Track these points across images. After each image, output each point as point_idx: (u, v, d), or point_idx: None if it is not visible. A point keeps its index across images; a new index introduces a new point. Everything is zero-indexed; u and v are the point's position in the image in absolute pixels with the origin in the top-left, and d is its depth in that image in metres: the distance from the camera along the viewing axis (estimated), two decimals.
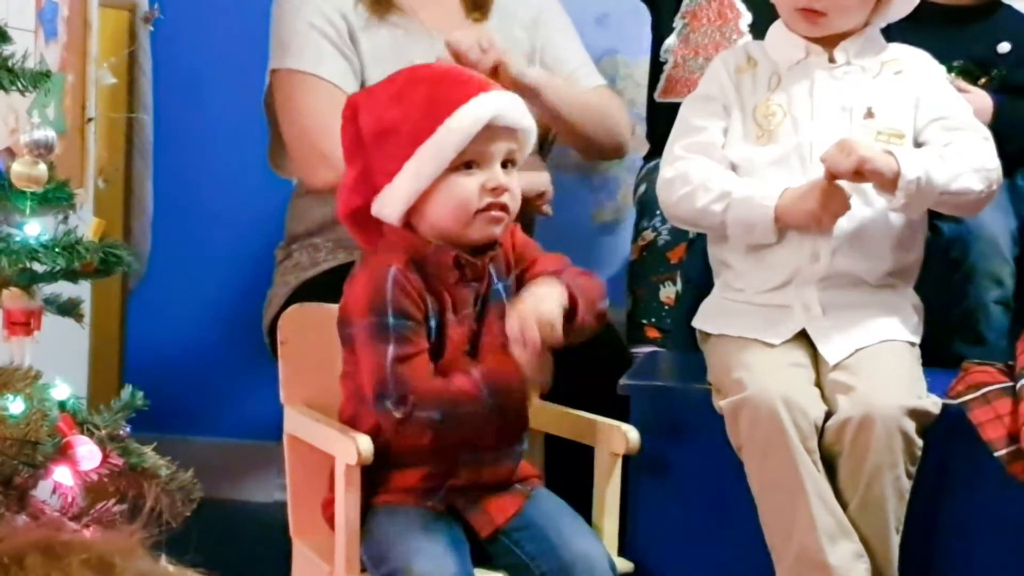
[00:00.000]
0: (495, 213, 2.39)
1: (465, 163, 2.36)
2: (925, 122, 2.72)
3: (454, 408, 2.34)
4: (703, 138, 2.73)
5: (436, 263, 2.40)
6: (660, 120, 3.42)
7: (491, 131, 2.36)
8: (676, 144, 2.76)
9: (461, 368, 2.39)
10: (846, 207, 2.61)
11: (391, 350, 2.33)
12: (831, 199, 2.59)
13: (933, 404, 2.58)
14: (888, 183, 2.58)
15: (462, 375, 2.37)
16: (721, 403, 2.61)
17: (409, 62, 2.96)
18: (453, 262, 2.39)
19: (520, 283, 2.47)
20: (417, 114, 2.35)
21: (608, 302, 2.50)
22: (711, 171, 2.70)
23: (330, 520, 2.52)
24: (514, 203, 2.41)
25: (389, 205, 2.39)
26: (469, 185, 2.37)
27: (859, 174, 2.56)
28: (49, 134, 2.18)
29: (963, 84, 3.00)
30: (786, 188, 2.64)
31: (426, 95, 2.37)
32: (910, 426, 2.53)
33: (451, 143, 2.33)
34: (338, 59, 3.06)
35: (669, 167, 2.75)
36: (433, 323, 2.39)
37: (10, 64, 2.13)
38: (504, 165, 2.40)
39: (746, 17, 3.46)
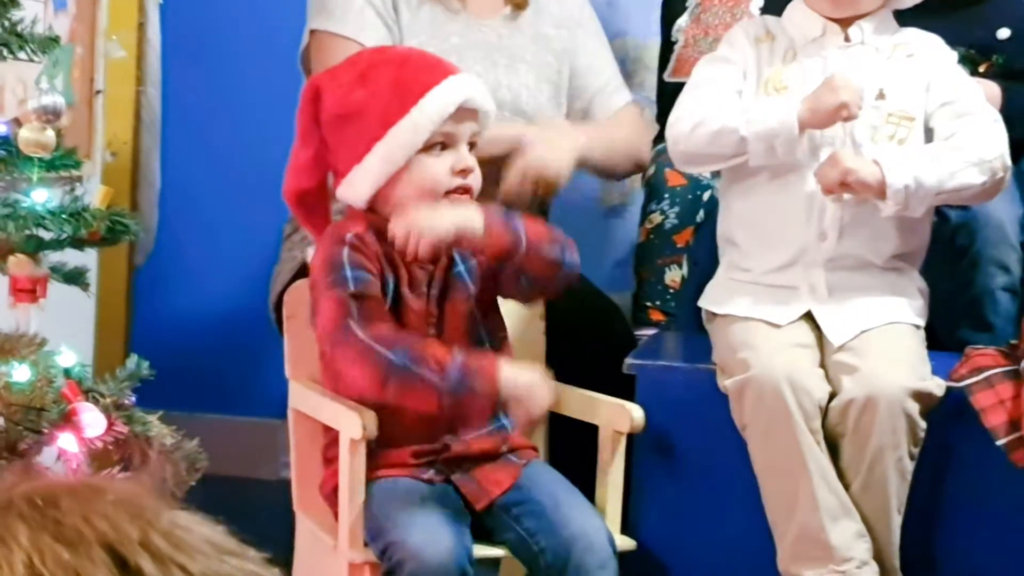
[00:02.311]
0: (460, 196, 2.42)
1: (433, 145, 2.39)
2: (935, 106, 2.72)
3: (416, 363, 2.29)
4: (715, 88, 2.72)
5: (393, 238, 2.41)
6: (669, 100, 3.41)
7: (460, 113, 2.40)
8: (686, 96, 2.74)
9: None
10: (859, 93, 2.59)
11: (350, 290, 2.34)
12: (845, 89, 2.57)
13: (937, 386, 2.59)
14: (877, 192, 2.58)
15: (442, 346, 2.35)
16: (726, 383, 2.62)
17: (445, 40, 2.95)
18: None
19: (484, 271, 2.48)
20: (386, 96, 2.38)
21: (568, 257, 2.43)
22: (724, 100, 2.68)
23: (327, 497, 2.53)
24: (476, 183, 2.44)
25: (357, 187, 2.42)
26: (439, 167, 2.40)
27: (846, 185, 2.57)
28: (58, 100, 2.18)
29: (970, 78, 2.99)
30: (803, 98, 2.61)
31: (393, 77, 2.40)
32: (914, 408, 2.53)
33: (425, 125, 2.37)
34: (380, 28, 3.03)
35: (678, 109, 2.72)
36: (391, 289, 2.41)
37: (19, 29, 2.13)
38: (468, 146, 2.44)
39: (756, 0, 3.45)
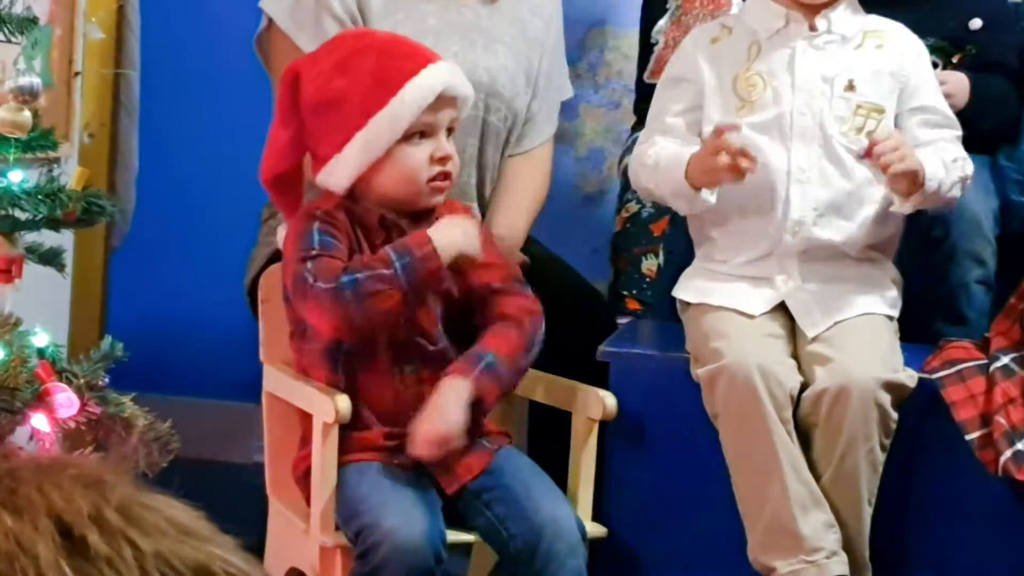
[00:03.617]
0: (440, 183, 2.45)
1: (413, 134, 2.42)
2: (907, 108, 2.73)
3: (362, 271, 2.34)
4: (664, 124, 2.75)
5: (363, 223, 2.44)
6: (646, 101, 3.40)
7: (438, 101, 2.42)
8: (646, 130, 2.80)
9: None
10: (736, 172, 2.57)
11: (314, 250, 2.37)
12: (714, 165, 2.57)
13: (909, 378, 2.60)
14: (906, 191, 2.60)
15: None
16: (698, 372, 2.63)
17: (422, 21, 2.93)
18: (378, 222, 2.44)
19: (465, 280, 2.49)
20: (366, 85, 2.40)
21: (537, 347, 2.49)
22: (653, 147, 2.70)
23: (299, 480, 2.53)
24: (455, 170, 2.47)
25: (338, 175, 2.44)
26: (418, 156, 2.42)
27: (888, 168, 2.57)
28: (34, 80, 2.19)
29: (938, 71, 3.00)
30: (690, 156, 2.61)
31: (374, 66, 2.41)
32: (886, 399, 2.54)
33: (404, 116, 2.39)
34: (335, 29, 2.98)
35: (634, 155, 2.79)
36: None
37: None
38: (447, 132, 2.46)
39: (738, 4, 3.44)
